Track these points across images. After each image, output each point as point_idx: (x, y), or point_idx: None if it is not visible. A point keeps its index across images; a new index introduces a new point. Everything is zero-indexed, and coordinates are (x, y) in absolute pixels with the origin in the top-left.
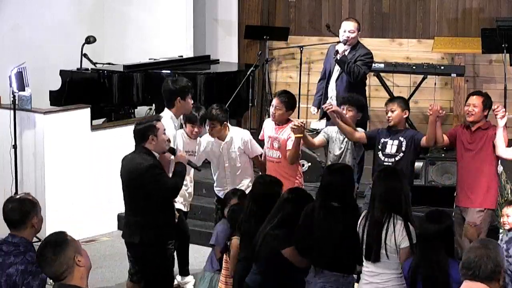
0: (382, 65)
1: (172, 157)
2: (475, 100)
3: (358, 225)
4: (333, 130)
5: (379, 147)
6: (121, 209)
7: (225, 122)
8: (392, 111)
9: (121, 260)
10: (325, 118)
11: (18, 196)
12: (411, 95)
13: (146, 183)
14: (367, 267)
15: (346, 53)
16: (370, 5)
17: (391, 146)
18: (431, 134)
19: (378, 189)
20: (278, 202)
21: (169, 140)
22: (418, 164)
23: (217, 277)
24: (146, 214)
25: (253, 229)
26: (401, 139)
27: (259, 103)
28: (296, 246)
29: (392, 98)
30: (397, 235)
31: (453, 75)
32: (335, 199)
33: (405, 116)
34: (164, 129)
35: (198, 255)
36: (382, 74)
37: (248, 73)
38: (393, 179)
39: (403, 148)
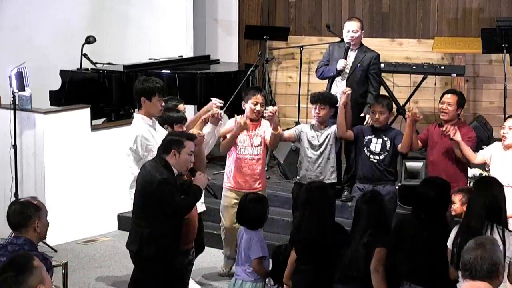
0: (382, 65)
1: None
2: (450, 99)
3: (452, 242)
4: (307, 130)
5: (364, 143)
6: (121, 209)
7: None
8: (382, 113)
9: (121, 260)
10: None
11: (22, 199)
12: (411, 95)
13: (156, 197)
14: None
15: (353, 57)
16: (370, 5)
17: (375, 144)
18: (407, 140)
19: (478, 199)
20: (355, 209)
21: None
22: (418, 164)
23: (260, 286)
24: (151, 225)
25: (302, 237)
26: (385, 138)
27: None
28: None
29: (379, 100)
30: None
31: (453, 75)
32: (425, 212)
33: (391, 118)
34: (192, 151)
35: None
36: (382, 74)
37: (248, 73)
38: (493, 188)
39: (387, 148)
